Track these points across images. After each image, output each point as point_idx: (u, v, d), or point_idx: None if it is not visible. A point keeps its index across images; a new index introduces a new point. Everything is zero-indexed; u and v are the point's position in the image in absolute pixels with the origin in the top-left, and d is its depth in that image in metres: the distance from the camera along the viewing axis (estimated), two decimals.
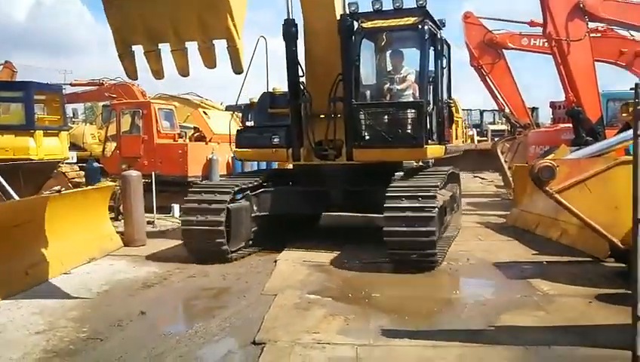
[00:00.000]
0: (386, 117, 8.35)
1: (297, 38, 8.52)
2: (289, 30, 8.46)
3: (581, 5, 11.26)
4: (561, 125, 14.82)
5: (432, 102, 8.42)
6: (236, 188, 8.19)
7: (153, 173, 11.81)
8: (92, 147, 19.17)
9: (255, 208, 8.61)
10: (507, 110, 17.61)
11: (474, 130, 30.44)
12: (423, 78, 8.33)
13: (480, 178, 21.22)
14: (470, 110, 35.00)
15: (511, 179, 13.42)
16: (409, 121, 8.10)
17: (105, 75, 20.24)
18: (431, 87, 8.43)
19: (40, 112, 14.74)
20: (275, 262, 7.88)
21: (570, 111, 11.84)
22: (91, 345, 4.89)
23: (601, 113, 11.69)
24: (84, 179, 14.16)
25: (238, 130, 9.87)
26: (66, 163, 14.76)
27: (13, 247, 6.37)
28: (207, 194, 8.08)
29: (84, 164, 14.98)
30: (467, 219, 11.40)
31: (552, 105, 20.09)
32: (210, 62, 5.73)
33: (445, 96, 9.29)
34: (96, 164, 14.44)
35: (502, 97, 17.30)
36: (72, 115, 22.03)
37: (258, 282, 6.80)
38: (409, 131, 8.09)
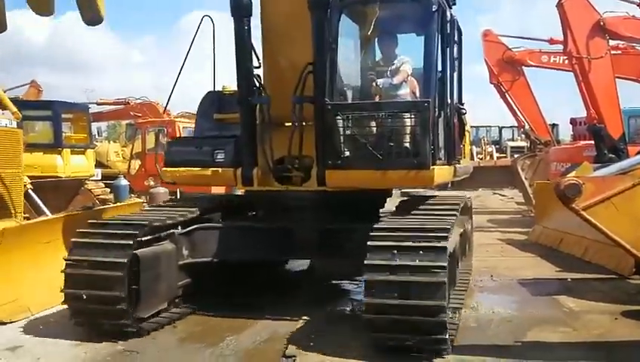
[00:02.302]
0: (374, 124, 5.85)
1: (251, 14, 6.18)
2: (239, 3, 6.12)
3: (602, 23, 11.34)
4: (583, 142, 14.82)
5: (438, 105, 5.94)
6: (148, 227, 5.59)
7: (178, 190, 12.03)
8: (116, 164, 19.54)
9: (185, 253, 6.06)
10: (527, 127, 17.64)
11: (493, 146, 30.47)
12: (429, 70, 5.85)
13: (500, 195, 21.19)
14: (489, 127, 35.05)
15: (532, 195, 13.42)
16: (409, 129, 5.67)
17: (125, 94, 20.74)
18: (438, 84, 5.97)
19: (67, 131, 15.10)
20: None
21: (591, 128, 11.87)
22: (128, 358, 5.05)
23: (622, 130, 11.70)
24: (109, 196, 14.44)
25: (168, 143, 7.39)
26: (92, 180, 15.08)
27: (51, 262, 6.55)
28: (101, 237, 5.45)
29: (110, 182, 15.28)
30: (488, 236, 11.44)
31: (573, 121, 20.07)
32: (41, 4, 3.82)
33: (456, 98, 6.80)
34: (125, 181, 14.72)
35: (522, 114, 17.34)
36: (96, 133, 22.45)
37: (284, 296, 6.91)
38: (408, 145, 5.68)
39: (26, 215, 8.44)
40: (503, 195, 20.91)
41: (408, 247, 4.72)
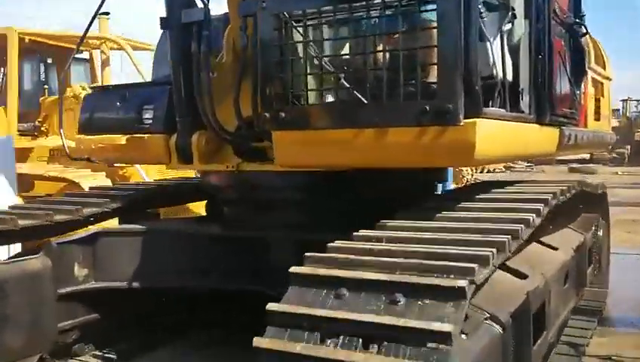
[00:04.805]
0: (353, 34, 2.92)
1: None
2: None
3: None
4: None
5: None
6: None
7: None
8: None
9: (79, 274, 3.87)
10: None
11: None
12: None
13: None
14: None
15: None
16: (421, 42, 2.63)
17: None
18: None
19: None
20: None
21: None
22: None
23: None
24: None
25: (86, 96, 4.63)
26: None
27: None
28: None
29: None
30: None
31: None
32: None
33: (562, 8, 3.67)
34: None
35: None
36: None
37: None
38: (420, 76, 2.62)
39: None
40: None
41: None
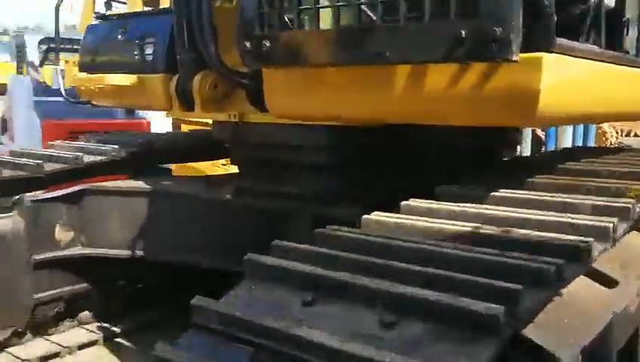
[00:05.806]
0: None
1: None
2: None
3: None
4: None
5: None
6: None
7: None
8: None
9: (62, 237, 3.29)
10: None
11: None
12: None
13: None
14: None
15: None
16: None
17: None
18: None
19: None
20: None
21: None
22: None
23: None
24: None
25: (88, 27, 3.91)
26: None
27: None
28: None
29: None
30: None
31: None
32: None
33: None
34: None
35: None
36: None
37: None
38: None
39: None
40: None
41: None
